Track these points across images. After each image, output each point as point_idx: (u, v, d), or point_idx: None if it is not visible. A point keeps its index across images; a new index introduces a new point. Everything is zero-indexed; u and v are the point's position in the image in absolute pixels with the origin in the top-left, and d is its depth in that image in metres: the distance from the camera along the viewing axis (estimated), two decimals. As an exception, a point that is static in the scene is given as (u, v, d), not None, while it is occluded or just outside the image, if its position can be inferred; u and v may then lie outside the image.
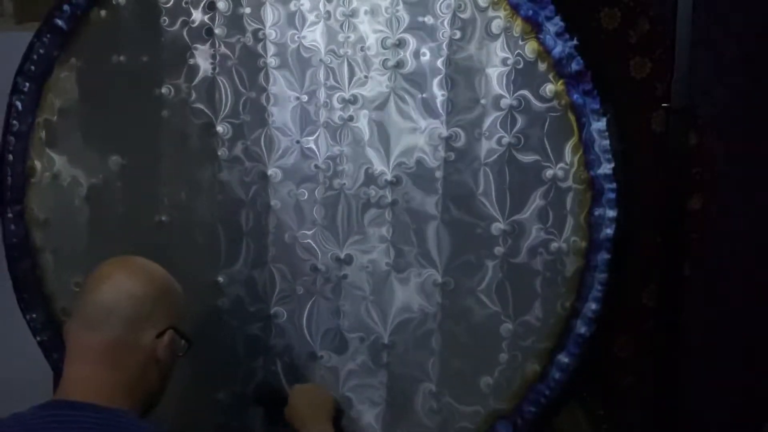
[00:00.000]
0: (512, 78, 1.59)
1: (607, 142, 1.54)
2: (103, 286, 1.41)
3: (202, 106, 1.77)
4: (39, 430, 1.28)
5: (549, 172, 1.58)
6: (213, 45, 1.75)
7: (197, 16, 1.75)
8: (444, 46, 1.62)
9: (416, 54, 1.64)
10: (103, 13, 1.81)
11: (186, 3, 1.75)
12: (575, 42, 1.54)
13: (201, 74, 1.76)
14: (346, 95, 1.68)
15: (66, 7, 1.81)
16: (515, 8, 1.58)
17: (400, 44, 1.64)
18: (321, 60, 1.69)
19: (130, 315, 1.39)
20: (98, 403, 1.31)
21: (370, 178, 1.68)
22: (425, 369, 1.68)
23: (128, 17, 1.80)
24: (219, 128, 1.76)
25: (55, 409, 1.32)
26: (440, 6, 1.61)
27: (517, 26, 1.58)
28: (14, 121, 1.86)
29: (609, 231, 1.56)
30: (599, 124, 1.55)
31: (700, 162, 1.61)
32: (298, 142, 1.72)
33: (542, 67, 1.57)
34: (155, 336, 1.41)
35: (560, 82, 1.56)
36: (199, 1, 1.74)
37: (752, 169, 1.60)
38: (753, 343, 1.61)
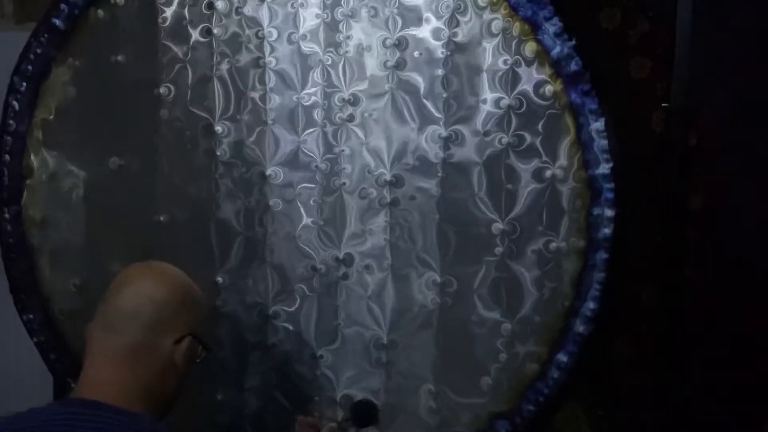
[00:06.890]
0: (511, 78, 1.59)
1: (606, 142, 1.55)
2: (126, 290, 1.43)
3: (200, 106, 1.76)
4: (59, 426, 1.29)
5: (548, 172, 1.59)
6: (212, 45, 1.74)
7: (196, 16, 1.74)
8: (443, 46, 1.62)
9: (415, 54, 1.64)
10: (100, 12, 1.80)
11: (184, 3, 1.75)
12: (574, 42, 1.55)
13: (199, 74, 1.75)
14: (346, 95, 1.68)
15: (63, 7, 1.80)
16: (514, 8, 1.58)
17: (400, 44, 1.64)
18: (320, 60, 1.69)
19: (151, 320, 1.40)
20: (117, 404, 1.32)
21: (370, 178, 1.68)
22: (424, 368, 1.68)
23: (126, 17, 1.79)
24: (218, 128, 1.75)
25: (75, 407, 1.32)
26: (440, 6, 1.61)
27: (516, 26, 1.58)
28: (11, 121, 1.86)
29: (607, 230, 1.56)
30: (598, 124, 1.55)
31: (700, 162, 1.62)
32: (297, 142, 1.72)
33: (541, 67, 1.57)
34: (174, 342, 1.42)
35: (559, 82, 1.57)
36: (198, 1, 1.74)
37: (752, 168, 1.60)
38: (753, 343, 1.61)
